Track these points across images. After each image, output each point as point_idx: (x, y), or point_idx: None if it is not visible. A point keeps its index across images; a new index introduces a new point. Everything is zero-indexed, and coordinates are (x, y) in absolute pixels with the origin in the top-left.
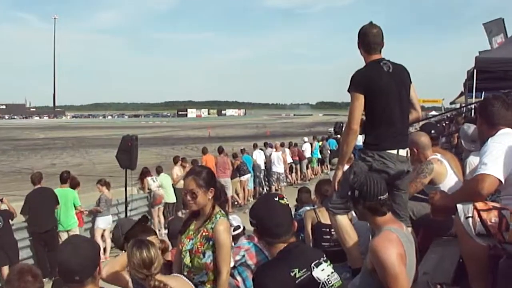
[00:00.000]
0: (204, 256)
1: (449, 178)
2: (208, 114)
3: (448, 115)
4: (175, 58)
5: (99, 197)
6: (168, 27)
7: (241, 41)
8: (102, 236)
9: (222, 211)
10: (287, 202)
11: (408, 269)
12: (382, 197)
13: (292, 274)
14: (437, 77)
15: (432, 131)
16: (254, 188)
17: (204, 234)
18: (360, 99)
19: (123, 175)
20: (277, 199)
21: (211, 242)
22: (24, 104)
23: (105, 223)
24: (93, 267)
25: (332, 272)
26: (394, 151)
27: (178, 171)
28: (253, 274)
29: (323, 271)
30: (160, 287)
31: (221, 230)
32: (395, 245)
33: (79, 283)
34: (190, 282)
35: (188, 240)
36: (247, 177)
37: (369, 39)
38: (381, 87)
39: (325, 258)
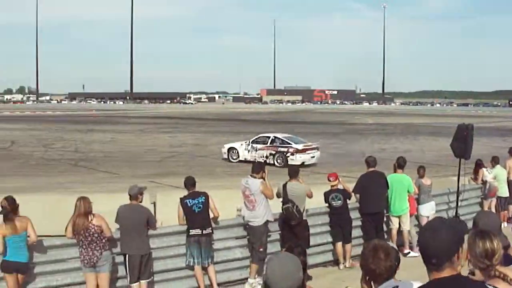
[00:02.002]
0: None
1: None
2: None
3: None
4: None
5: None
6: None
7: None
8: None
9: None
10: None
11: None
12: None
13: None
14: None
15: None
16: None
17: None
18: None
19: (453, 164)
20: None
21: None
22: (355, 90)
23: (427, 210)
24: (451, 251)
25: None
26: None
27: None
28: None
29: None
30: (501, 277)
31: None
32: None
33: (437, 266)
34: None
35: None
36: None
37: None
38: None
39: None
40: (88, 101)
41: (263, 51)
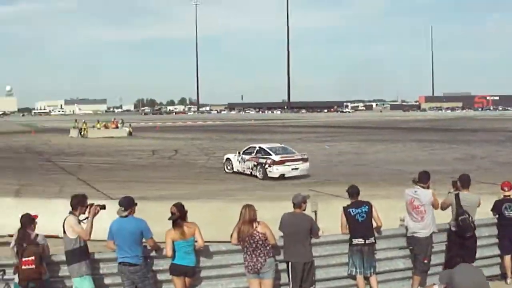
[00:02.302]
0: None
1: None
2: None
3: None
4: None
5: None
6: None
7: None
8: None
9: None
10: None
11: None
12: None
13: None
14: None
15: None
16: None
17: None
18: None
19: None
20: None
21: None
22: None
23: None
24: None
25: None
26: None
27: None
28: None
29: None
30: None
31: None
32: None
33: None
34: None
35: None
36: None
37: None
38: None
39: None
40: (247, 110)
41: (420, 58)
